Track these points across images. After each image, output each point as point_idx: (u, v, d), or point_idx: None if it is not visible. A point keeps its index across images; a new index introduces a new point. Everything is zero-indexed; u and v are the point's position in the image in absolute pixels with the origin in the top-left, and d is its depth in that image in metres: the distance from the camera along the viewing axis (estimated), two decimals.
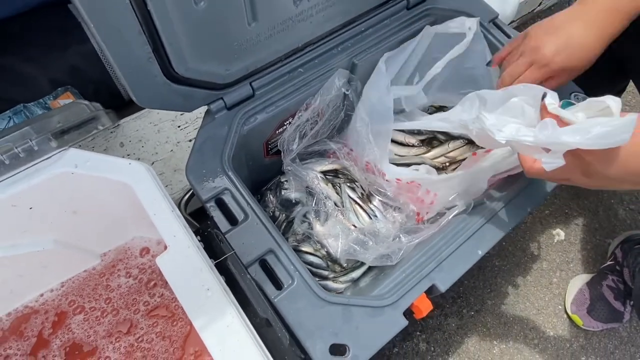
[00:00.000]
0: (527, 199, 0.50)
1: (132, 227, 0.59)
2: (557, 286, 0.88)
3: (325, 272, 0.64)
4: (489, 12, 0.63)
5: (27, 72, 0.72)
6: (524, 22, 1.16)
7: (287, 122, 0.56)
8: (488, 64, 0.58)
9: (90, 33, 0.33)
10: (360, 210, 0.67)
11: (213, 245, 0.42)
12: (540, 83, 0.47)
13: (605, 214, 0.97)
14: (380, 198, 0.67)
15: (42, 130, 0.41)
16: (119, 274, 0.61)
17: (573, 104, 0.39)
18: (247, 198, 0.45)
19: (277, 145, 0.59)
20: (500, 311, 0.85)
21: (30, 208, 0.43)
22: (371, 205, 0.67)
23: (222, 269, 0.41)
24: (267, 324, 0.39)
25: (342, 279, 0.64)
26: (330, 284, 0.64)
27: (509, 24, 1.08)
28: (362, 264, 0.65)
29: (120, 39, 0.34)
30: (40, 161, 0.40)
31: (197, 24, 0.38)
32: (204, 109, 0.48)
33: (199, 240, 0.41)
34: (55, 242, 0.51)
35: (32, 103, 0.74)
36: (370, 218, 0.66)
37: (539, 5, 1.13)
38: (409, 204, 0.64)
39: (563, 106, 0.39)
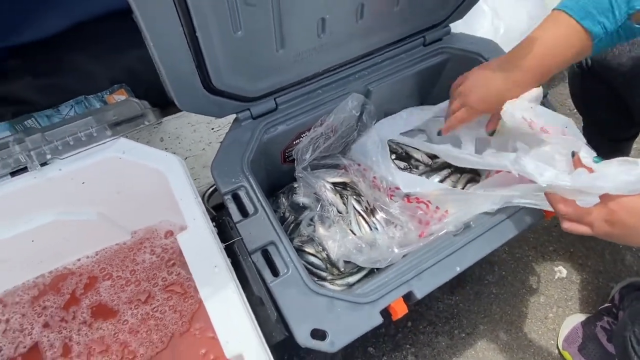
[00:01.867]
0: (509, 227, 0.55)
1: (161, 211, 0.68)
2: (552, 321, 0.90)
3: (324, 274, 0.70)
4: (499, 53, 0.68)
5: (91, 69, 0.84)
6: None
7: (304, 134, 0.63)
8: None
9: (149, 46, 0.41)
10: (363, 222, 0.73)
11: (225, 232, 0.50)
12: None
13: (611, 257, 0.98)
14: (383, 214, 0.73)
15: (101, 121, 0.50)
16: (144, 251, 0.70)
17: (602, 160, 0.45)
18: (258, 196, 0.52)
19: (293, 154, 0.67)
20: (492, 337, 0.88)
21: (83, 183, 0.52)
22: (374, 219, 0.74)
23: (230, 252, 0.48)
24: (260, 302, 0.46)
25: (338, 282, 0.70)
26: (327, 284, 0.70)
27: None
28: (359, 270, 0.71)
29: (172, 56, 0.43)
30: (96, 145, 0.49)
31: (234, 48, 0.47)
32: (233, 116, 0.57)
33: (214, 226, 0.49)
34: (98, 215, 0.60)
35: (91, 95, 0.86)
36: (371, 229, 0.72)
37: None
38: (408, 222, 0.70)
39: (594, 161, 0.45)
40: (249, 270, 0.47)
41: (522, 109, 0.52)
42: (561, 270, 0.95)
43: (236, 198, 0.52)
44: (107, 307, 0.66)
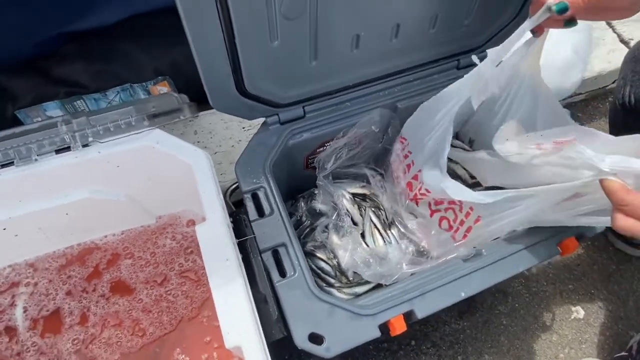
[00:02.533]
0: (521, 259, 0.54)
1: (185, 201, 0.72)
2: None
3: (333, 280, 0.72)
4: None
5: (139, 59, 0.90)
6: (593, 96, 1.16)
7: (328, 143, 0.65)
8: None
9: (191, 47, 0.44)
10: (377, 235, 0.74)
11: (240, 228, 0.52)
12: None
13: (635, 305, 0.94)
14: (400, 228, 0.74)
15: (140, 111, 0.54)
16: (166, 236, 0.74)
17: None
18: (276, 198, 0.54)
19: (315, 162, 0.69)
20: None
21: (118, 166, 0.56)
22: (389, 232, 0.74)
23: (242, 248, 0.50)
24: (264, 300, 0.48)
25: (346, 290, 0.72)
26: (335, 292, 0.71)
27: (571, 96, 1.09)
28: (367, 282, 0.72)
29: (210, 58, 0.46)
30: (134, 134, 0.53)
31: (269, 56, 0.49)
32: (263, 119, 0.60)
33: (231, 221, 0.52)
34: (127, 197, 0.65)
35: (137, 84, 0.91)
36: (385, 243, 0.72)
37: (612, 83, 1.13)
38: (422, 240, 0.70)
39: None
40: (258, 268, 0.49)
41: (523, 142, 0.51)
42: (578, 311, 0.92)
43: (255, 198, 0.54)
44: (125, 284, 0.70)
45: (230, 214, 0.52)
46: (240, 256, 0.50)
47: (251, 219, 0.52)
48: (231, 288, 0.47)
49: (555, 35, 0.88)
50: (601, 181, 0.41)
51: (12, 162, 0.50)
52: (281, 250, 0.52)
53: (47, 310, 0.67)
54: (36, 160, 0.50)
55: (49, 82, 0.86)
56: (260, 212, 0.54)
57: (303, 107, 0.59)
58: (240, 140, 0.85)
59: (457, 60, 0.66)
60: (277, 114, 0.58)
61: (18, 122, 0.86)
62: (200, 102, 0.92)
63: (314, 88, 0.58)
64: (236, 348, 0.45)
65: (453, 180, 0.55)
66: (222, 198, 0.52)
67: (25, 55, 0.86)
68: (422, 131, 0.56)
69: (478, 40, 0.65)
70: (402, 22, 0.54)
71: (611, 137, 0.46)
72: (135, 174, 0.58)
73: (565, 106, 1.13)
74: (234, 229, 0.51)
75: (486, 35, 0.64)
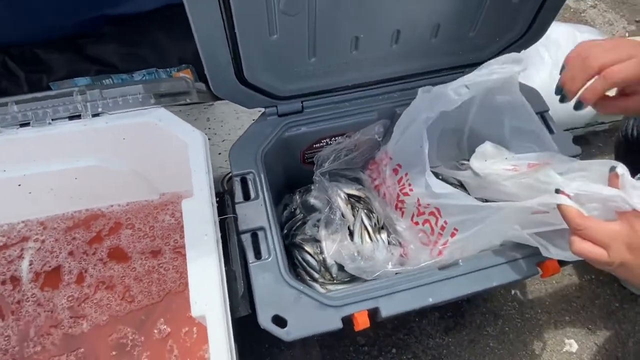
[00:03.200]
0: (497, 275, 0.54)
1: (187, 180, 0.76)
2: None
3: (317, 275, 0.73)
4: (541, 105, 0.67)
5: (166, 47, 0.95)
6: (617, 126, 1.12)
7: (325, 140, 0.67)
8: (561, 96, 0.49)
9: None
10: (366, 236, 0.75)
11: (223, 208, 0.55)
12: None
13: (635, 348, 0.89)
14: (390, 231, 0.75)
15: (149, 90, 0.58)
16: (166, 212, 0.78)
17: None
18: (263, 185, 0.57)
19: (313, 157, 0.71)
20: None
21: (123, 139, 0.60)
22: (378, 236, 0.75)
23: (222, 226, 0.53)
24: (234, 277, 0.51)
25: (329, 286, 0.73)
26: (317, 287, 0.73)
27: (593, 125, 1.06)
28: (350, 281, 0.73)
29: (211, 45, 0.49)
30: (139, 109, 0.57)
31: (268, 49, 0.52)
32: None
33: (217, 200, 0.55)
34: (132, 170, 0.69)
35: (162, 69, 0.97)
36: (372, 244, 0.73)
37: None
38: (411, 243, 0.71)
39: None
40: (233, 248, 0.52)
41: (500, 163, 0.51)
42: (572, 344, 0.89)
43: (244, 182, 0.57)
44: (122, 251, 0.74)
45: (217, 194, 0.55)
46: (219, 234, 0.52)
47: (236, 201, 0.55)
48: (205, 261, 0.49)
49: None
50: (558, 207, 0.42)
51: (29, 122, 0.55)
52: (260, 234, 0.54)
53: (50, 267, 0.72)
54: (50, 123, 0.55)
55: (83, 59, 0.93)
56: (247, 196, 0.56)
57: (302, 101, 0.62)
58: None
59: (461, 72, 0.66)
60: (276, 106, 0.61)
61: None
62: None
63: (312, 84, 0.60)
64: (201, 317, 0.47)
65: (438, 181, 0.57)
66: (211, 178, 0.55)
67: (64, 33, 0.93)
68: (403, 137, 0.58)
69: (483, 55, 0.65)
70: (402, 29, 0.56)
71: (584, 162, 0.46)
72: (139, 148, 0.62)
73: (587, 134, 1.10)
74: (217, 208, 0.54)
75: (492, 50, 0.65)
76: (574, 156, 0.60)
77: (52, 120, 0.55)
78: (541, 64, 0.84)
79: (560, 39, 0.87)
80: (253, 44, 0.50)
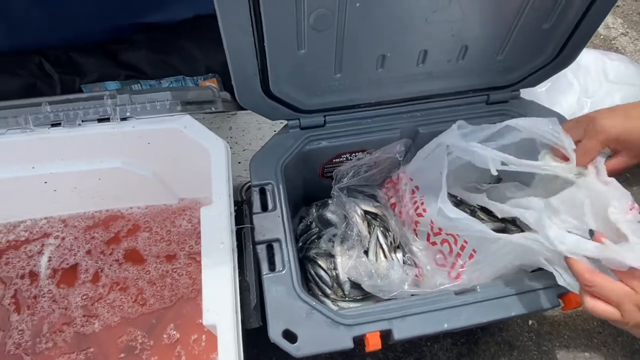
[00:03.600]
0: (516, 304, 0.52)
1: (206, 187, 0.76)
2: None
3: (329, 291, 0.72)
4: None
5: (195, 55, 0.98)
6: None
7: (345, 155, 0.67)
8: None
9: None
10: (381, 255, 0.74)
11: (240, 217, 0.55)
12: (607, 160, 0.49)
13: None
14: (406, 250, 0.74)
15: (177, 98, 0.60)
16: (183, 217, 0.79)
17: None
18: (282, 197, 0.57)
19: (332, 172, 0.71)
20: None
21: (149, 143, 0.62)
22: (394, 255, 0.74)
23: (238, 235, 0.53)
24: (247, 289, 0.50)
25: (340, 303, 0.72)
26: (328, 302, 0.72)
27: None
28: (363, 299, 0.72)
29: (240, 57, 0.50)
30: (166, 116, 0.59)
31: (295, 63, 0.53)
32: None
33: (235, 209, 0.55)
34: (155, 174, 0.70)
35: (189, 77, 0.99)
36: (387, 263, 0.72)
37: None
38: (427, 265, 0.69)
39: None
40: (248, 258, 0.52)
41: None
42: None
43: (262, 192, 0.57)
44: (138, 254, 0.75)
45: (235, 203, 0.55)
46: (235, 243, 0.52)
47: (254, 211, 0.55)
48: (219, 270, 0.49)
49: (603, 86, 0.85)
50: (566, 260, 0.41)
51: (60, 123, 0.57)
52: (275, 245, 0.54)
53: (67, 264, 0.74)
54: (79, 125, 0.57)
55: (114, 64, 0.96)
56: (264, 207, 0.56)
57: (324, 116, 0.62)
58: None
59: (487, 95, 0.66)
60: (299, 119, 0.61)
61: None
62: None
63: (336, 99, 0.60)
64: (212, 326, 0.47)
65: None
66: (231, 186, 0.55)
67: (98, 38, 0.97)
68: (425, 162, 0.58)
69: (511, 78, 0.64)
70: (429, 49, 0.56)
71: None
72: (163, 153, 0.64)
73: None
74: (235, 217, 0.54)
75: (520, 73, 0.64)
76: None
77: (82, 121, 0.57)
78: (569, 89, 0.83)
79: (590, 65, 0.86)
80: (281, 57, 0.51)
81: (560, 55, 0.62)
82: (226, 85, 1.00)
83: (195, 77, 0.99)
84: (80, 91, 0.95)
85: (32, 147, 0.59)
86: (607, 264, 0.39)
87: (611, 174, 0.48)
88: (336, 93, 0.59)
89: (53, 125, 0.57)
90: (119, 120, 0.58)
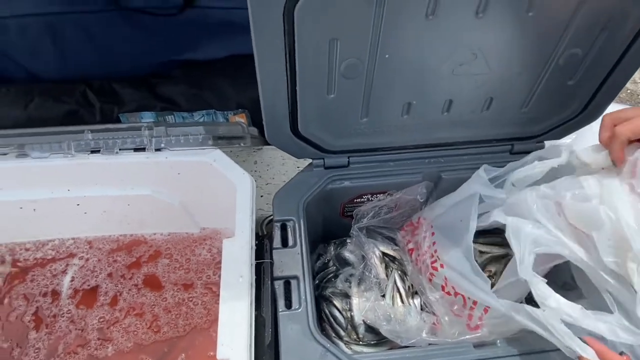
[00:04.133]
0: None
1: (228, 219, 0.78)
2: None
3: (342, 333, 0.71)
4: None
5: (227, 92, 1.03)
6: None
7: (366, 196, 0.68)
8: None
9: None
10: (398, 299, 0.73)
11: (260, 252, 0.56)
12: None
13: None
14: (422, 299, 0.72)
15: (209, 132, 0.63)
16: (204, 247, 0.80)
17: None
18: (302, 234, 0.58)
19: (352, 211, 0.72)
20: None
21: (179, 174, 0.64)
22: (411, 300, 0.73)
23: (257, 269, 0.54)
24: (263, 324, 0.50)
25: (354, 347, 0.70)
26: (341, 344, 0.71)
27: None
28: (376, 344, 0.70)
29: (272, 97, 0.53)
30: (198, 149, 0.62)
31: (324, 106, 0.55)
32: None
33: (256, 243, 0.56)
34: (181, 202, 0.73)
35: (220, 111, 1.04)
36: (405, 309, 0.71)
37: None
38: (443, 316, 0.68)
39: None
40: (266, 293, 0.52)
41: None
42: None
43: (283, 228, 0.58)
44: (157, 280, 0.77)
45: (256, 237, 0.56)
46: (254, 277, 0.53)
47: (274, 246, 0.56)
48: (237, 304, 0.50)
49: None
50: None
51: (100, 150, 0.60)
52: (293, 282, 0.54)
53: (88, 285, 0.75)
54: (117, 153, 0.60)
55: (151, 96, 1.02)
56: (285, 243, 0.57)
57: (348, 157, 0.64)
58: (290, 178, 0.91)
59: (511, 144, 0.66)
60: (323, 159, 0.63)
61: (119, 123, 1.02)
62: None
63: (361, 142, 0.62)
64: None
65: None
66: (254, 220, 0.57)
67: (139, 72, 1.03)
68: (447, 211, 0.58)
69: (536, 129, 0.65)
70: (454, 99, 0.57)
71: None
72: (191, 183, 0.66)
73: None
74: (255, 251, 0.55)
75: (545, 125, 0.65)
76: None
77: (120, 150, 0.60)
78: (593, 138, 0.83)
79: None
80: (311, 100, 0.54)
81: (586, 111, 0.62)
82: (254, 120, 1.04)
83: (225, 112, 1.04)
84: (118, 119, 1.01)
85: (70, 171, 0.62)
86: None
87: None
88: (361, 136, 0.61)
89: (93, 151, 0.61)
90: (153, 150, 0.61)
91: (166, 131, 0.61)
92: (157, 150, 0.61)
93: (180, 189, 0.68)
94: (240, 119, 1.05)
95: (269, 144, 0.94)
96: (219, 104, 1.04)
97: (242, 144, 0.66)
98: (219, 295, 0.74)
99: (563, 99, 0.60)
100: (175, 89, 1.03)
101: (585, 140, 0.84)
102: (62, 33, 0.96)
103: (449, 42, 0.49)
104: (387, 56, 0.49)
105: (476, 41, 0.50)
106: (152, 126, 0.61)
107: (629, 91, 1.35)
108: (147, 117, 1.02)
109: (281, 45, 0.47)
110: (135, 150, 0.61)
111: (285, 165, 0.92)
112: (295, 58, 0.48)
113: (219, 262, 0.78)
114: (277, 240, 0.57)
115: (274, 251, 0.56)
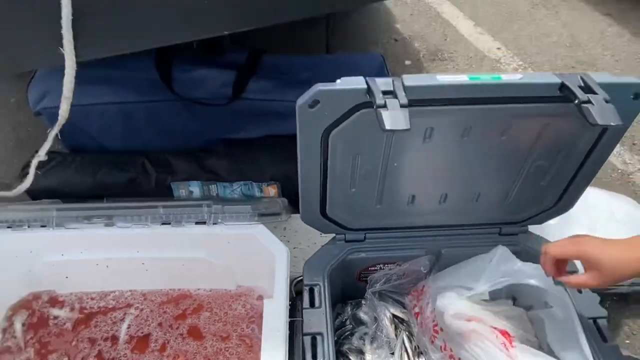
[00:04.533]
0: None
1: (262, 279, 0.92)
2: None
3: None
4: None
5: (263, 166, 1.21)
6: None
7: (379, 265, 0.82)
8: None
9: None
10: (406, 358, 0.84)
11: (295, 310, 0.70)
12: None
13: None
14: (426, 358, 0.83)
15: (255, 209, 0.79)
16: (239, 302, 0.94)
17: None
18: (327, 297, 0.72)
19: (367, 277, 0.86)
20: None
21: (229, 242, 0.80)
22: (416, 359, 0.84)
23: (290, 325, 0.68)
24: None
25: None
26: None
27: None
28: None
29: (308, 187, 0.69)
30: (246, 224, 0.78)
31: (347, 197, 0.71)
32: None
33: (289, 304, 0.70)
34: (226, 265, 0.88)
35: (255, 183, 1.22)
36: None
37: None
38: None
39: None
40: (297, 347, 0.65)
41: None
42: None
43: (311, 291, 0.73)
44: (199, 331, 0.90)
45: (290, 298, 0.70)
46: (288, 332, 0.67)
47: (304, 306, 0.70)
48: (275, 354, 0.63)
49: (612, 225, 0.97)
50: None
51: (170, 222, 0.77)
52: (319, 338, 0.67)
53: (142, 333, 0.89)
54: (183, 225, 0.77)
55: (199, 168, 1.21)
56: (312, 303, 0.71)
57: (365, 233, 0.79)
58: (315, 243, 1.06)
59: (500, 227, 0.81)
60: (344, 234, 0.79)
61: (170, 190, 1.20)
62: (295, 205, 1.18)
63: (375, 222, 0.77)
64: None
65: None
66: (288, 284, 0.71)
67: (190, 147, 1.24)
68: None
69: (519, 217, 0.79)
70: (449, 193, 0.73)
71: None
72: (237, 250, 0.82)
73: (632, 292, 1.12)
74: (289, 310, 0.69)
75: (527, 213, 0.79)
76: (597, 318, 0.69)
77: (185, 223, 0.77)
78: (578, 225, 0.96)
79: (598, 205, 0.99)
80: (337, 192, 0.70)
81: (560, 203, 0.77)
82: (284, 192, 1.21)
83: (260, 183, 1.22)
84: (170, 187, 1.20)
85: (144, 238, 0.79)
86: None
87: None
88: (376, 218, 0.76)
89: (164, 223, 0.78)
90: (211, 224, 0.77)
91: (222, 208, 0.78)
92: (215, 223, 0.78)
93: (228, 254, 0.83)
94: (272, 189, 1.22)
95: (296, 213, 1.10)
96: (255, 175, 1.22)
97: (279, 219, 0.82)
98: (251, 347, 0.88)
99: (538, 195, 0.75)
100: (218, 163, 1.22)
101: (568, 223, 0.97)
102: (132, 116, 1.18)
103: (441, 156, 0.66)
104: (395, 164, 0.66)
105: (463, 155, 0.66)
106: (211, 204, 0.78)
107: (620, 171, 1.48)
108: (194, 186, 1.20)
109: (318, 155, 0.64)
110: (197, 223, 0.78)
111: (310, 233, 1.07)
112: (327, 164, 0.66)
113: (252, 317, 0.92)
114: (306, 302, 0.71)
115: (303, 310, 0.69)
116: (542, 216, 0.80)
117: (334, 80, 0.56)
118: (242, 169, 1.22)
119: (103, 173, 1.19)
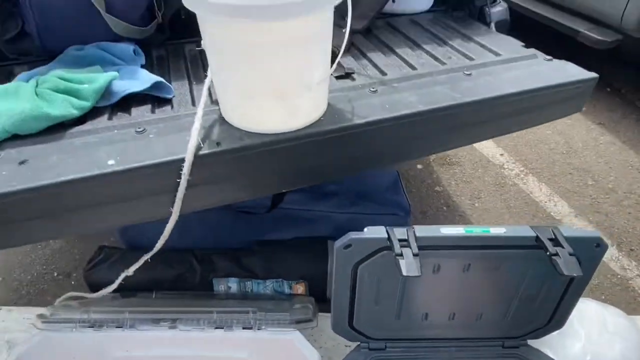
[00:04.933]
0: None
1: None
2: None
3: None
4: None
5: (292, 266, 1.37)
6: None
7: None
8: None
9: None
10: None
11: None
12: None
13: None
14: None
15: (292, 317, 0.95)
16: None
17: None
18: None
19: None
20: None
21: (269, 344, 0.95)
22: None
23: None
24: None
25: None
26: None
27: None
28: None
29: (340, 303, 0.85)
30: (285, 330, 0.93)
31: (372, 312, 0.87)
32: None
33: None
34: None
35: (285, 280, 1.38)
36: None
37: None
38: None
39: None
40: None
41: None
42: None
43: None
44: None
45: None
46: None
47: None
48: None
49: (606, 337, 1.08)
50: None
51: (222, 327, 0.93)
52: None
53: None
54: (232, 329, 0.93)
55: (237, 266, 1.39)
56: None
57: (385, 343, 0.93)
58: (338, 343, 1.19)
59: (502, 341, 0.94)
60: (368, 343, 0.93)
61: (211, 285, 1.37)
62: (319, 302, 1.32)
63: (394, 334, 0.92)
64: None
65: None
66: None
67: (230, 247, 1.43)
68: None
69: (518, 333, 0.93)
70: (456, 312, 0.88)
71: None
72: (276, 352, 0.96)
73: None
74: None
75: (525, 330, 0.92)
76: None
77: (234, 327, 0.93)
78: (576, 336, 1.06)
79: (592, 317, 1.11)
80: (364, 309, 0.86)
81: (552, 322, 0.91)
82: (311, 290, 1.37)
83: (290, 281, 1.38)
84: (211, 283, 1.37)
85: (199, 339, 0.94)
86: None
87: None
88: (395, 331, 0.91)
89: (217, 327, 0.93)
90: (256, 330, 0.93)
91: (265, 317, 0.94)
92: (259, 328, 0.93)
93: (267, 353, 0.97)
94: (300, 286, 1.38)
95: (323, 312, 1.24)
96: (285, 274, 1.39)
97: (311, 326, 0.97)
98: None
99: (532, 315, 0.89)
100: (254, 262, 1.40)
101: (566, 333, 1.09)
102: (187, 219, 1.40)
103: (448, 284, 0.82)
104: (410, 290, 0.82)
105: (465, 284, 0.82)
106: (256, 310, 0.94)
107: (619, 276, 1.59)
108: (232, 282, 1.37)
109: (349, 280, 0.81)
110: (244, 328, 0.94)
111: (335, 335, 1.21)
112: (356, 286, 0.82)
113: None
114: None
115: None
116: (539, 332, 0.93)
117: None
118: (275, 268, 1.39)
119: (155, 270, 1.37)
